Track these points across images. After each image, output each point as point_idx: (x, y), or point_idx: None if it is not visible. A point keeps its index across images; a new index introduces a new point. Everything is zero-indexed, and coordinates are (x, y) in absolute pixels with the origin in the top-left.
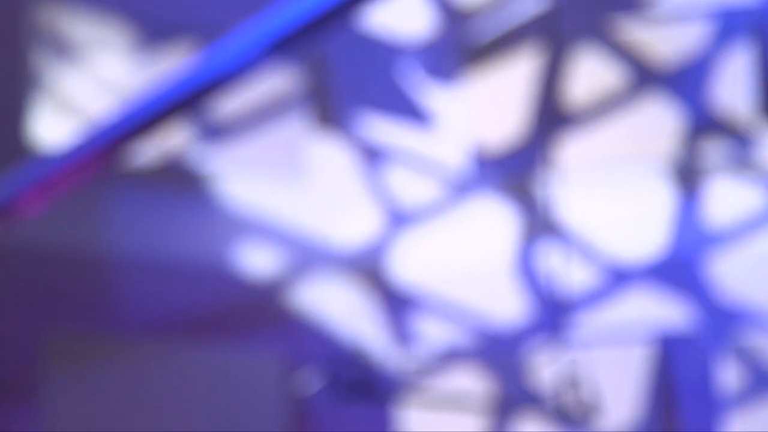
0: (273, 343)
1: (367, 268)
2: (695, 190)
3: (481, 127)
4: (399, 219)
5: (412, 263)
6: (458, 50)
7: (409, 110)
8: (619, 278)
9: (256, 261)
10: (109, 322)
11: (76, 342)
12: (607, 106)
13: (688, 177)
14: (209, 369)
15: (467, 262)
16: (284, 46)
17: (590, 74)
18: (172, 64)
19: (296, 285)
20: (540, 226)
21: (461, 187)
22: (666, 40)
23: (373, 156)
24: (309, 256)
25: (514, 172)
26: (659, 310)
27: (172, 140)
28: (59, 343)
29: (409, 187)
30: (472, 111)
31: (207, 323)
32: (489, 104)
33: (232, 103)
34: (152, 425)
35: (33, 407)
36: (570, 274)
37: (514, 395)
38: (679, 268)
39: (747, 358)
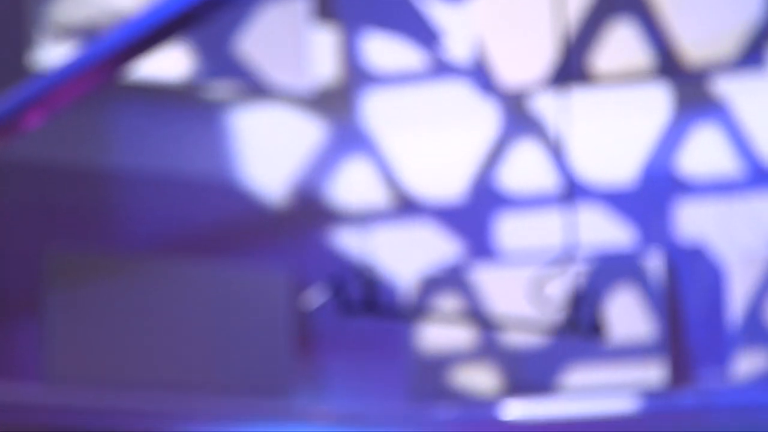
0: (278, 259)
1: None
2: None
3: (487, 40)
4: (372, 79)
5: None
6: None
7: (412, 16)
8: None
9: (263, 177)
10: (112, 237)
11: (79, 258)
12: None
13: (693, 99)
14: (214, 285)
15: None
16: None
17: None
18: None
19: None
20: (526, 130)
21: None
22: None
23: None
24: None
25: (515, 87)
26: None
27: (174, 54)
28: (61, 260)
29: (395, 56)
30: (480, 25)
31: (212, 239)
32: (499, 20)
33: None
34: (156, 341)
35: (35, 323)
36: (568, 193)
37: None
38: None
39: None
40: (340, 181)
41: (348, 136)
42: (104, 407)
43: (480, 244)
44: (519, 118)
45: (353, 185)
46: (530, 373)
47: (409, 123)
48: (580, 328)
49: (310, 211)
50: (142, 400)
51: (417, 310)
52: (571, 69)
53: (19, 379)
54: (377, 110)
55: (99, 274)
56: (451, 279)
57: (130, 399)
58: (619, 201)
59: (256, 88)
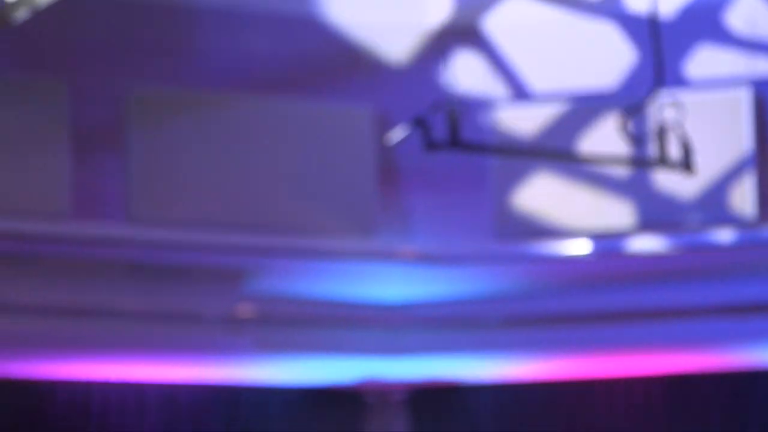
0: (363, 95)
1: None
2: None
3: None
4: None
5: None
6: None
7: None
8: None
9: (347, 11)
10: (196, 74)
11: (162, 95)
12: None
13: None
14: (298, 121)
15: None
16: None
17: None
18: None
19: None
20: None
21: None
22: None
23: None
24: None
25: None
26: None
27: None
28: (145, 96)
29: None
30: None
31: (296, 75)
32: None
33: None
34: (238, 179)
35: (119, 160)
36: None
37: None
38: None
39: None
40: (422, 14)
41: None
42: (186, 243)
43: (559, 78)
44: None
45: (434, 15)
46: (618, 208)
47: None
48: (669, 162)
49: (393, 44)
50: (224, 237)
51: (502, 145)
52: None
53: (103, 215)
54: None
55: (182, 110)
56: (532, 112)
57: (211, 236)
58: (709, 34)
59: None
